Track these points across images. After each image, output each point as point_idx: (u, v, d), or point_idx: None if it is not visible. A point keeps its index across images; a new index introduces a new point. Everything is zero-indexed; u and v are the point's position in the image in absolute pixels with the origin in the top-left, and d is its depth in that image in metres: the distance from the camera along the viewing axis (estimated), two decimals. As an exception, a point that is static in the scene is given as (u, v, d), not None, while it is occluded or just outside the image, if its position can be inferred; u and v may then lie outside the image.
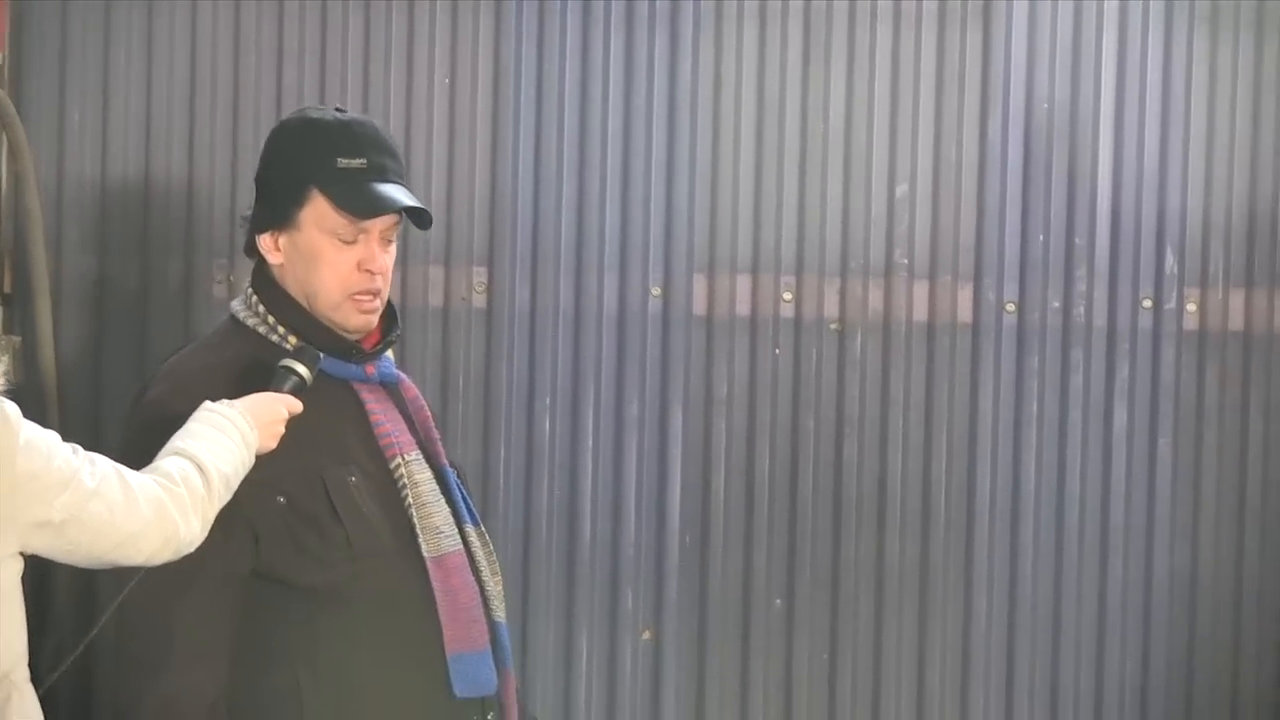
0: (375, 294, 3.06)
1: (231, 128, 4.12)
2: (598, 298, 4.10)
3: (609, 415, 4.11)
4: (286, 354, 3.00)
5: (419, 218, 3.14)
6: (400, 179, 3.15)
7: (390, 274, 3.10)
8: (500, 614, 3.14)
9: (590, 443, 4.12)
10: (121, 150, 4.15)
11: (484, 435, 4.10)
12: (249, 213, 3.10)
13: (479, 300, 4.09)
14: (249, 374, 3.02)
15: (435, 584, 3.02)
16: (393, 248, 3.11)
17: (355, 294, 3.03)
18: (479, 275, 4.09)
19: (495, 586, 3.15)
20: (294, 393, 2.90)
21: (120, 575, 2.85)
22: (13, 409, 2.61)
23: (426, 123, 4.09)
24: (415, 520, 3.04)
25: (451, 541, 3.08)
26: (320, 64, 4.13)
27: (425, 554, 3.02)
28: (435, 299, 4.07)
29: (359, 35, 4.14)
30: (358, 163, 3.04)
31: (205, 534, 2.80)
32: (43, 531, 2.66)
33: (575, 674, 4.10)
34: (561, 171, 4.11)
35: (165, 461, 2.77)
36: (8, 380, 2.66)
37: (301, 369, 2.92)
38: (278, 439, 2.92)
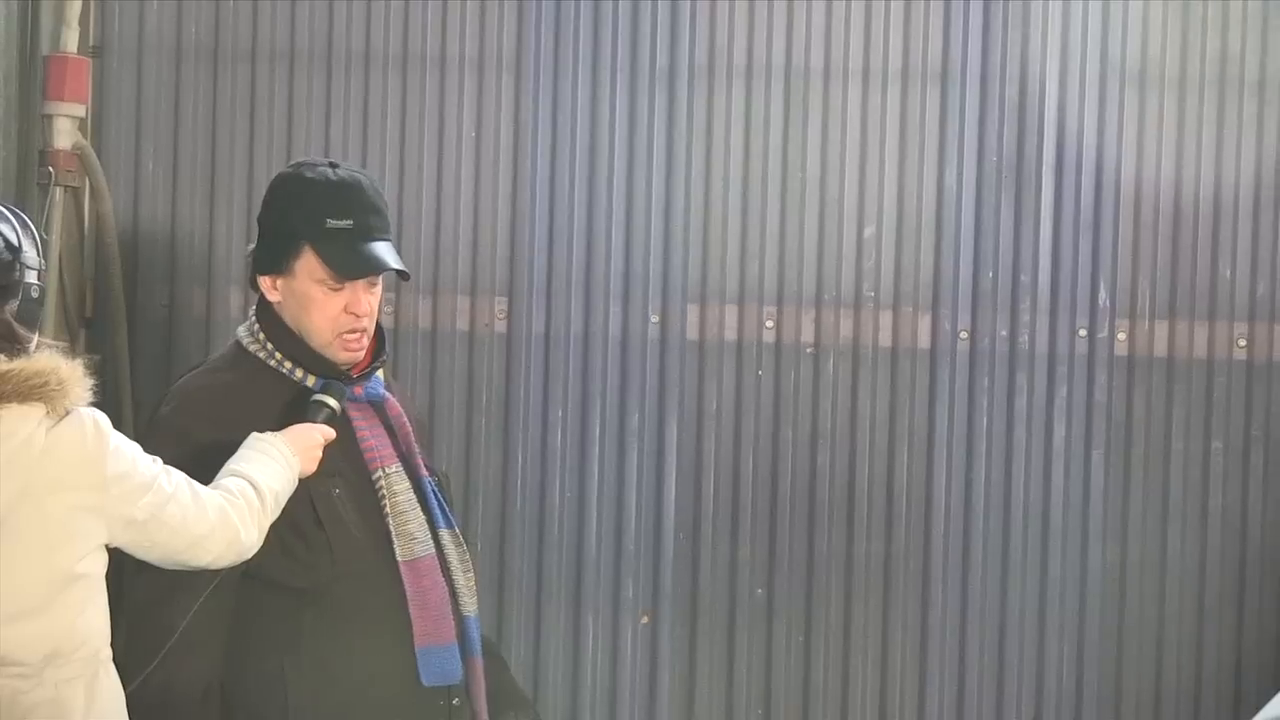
0: (361, 332, 3.12)
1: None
2: (604, 324, 4.26)
3: (613, 427, 4.28)
4: (285, 379, 3.11)
5: (399, 273, 3.17)
6: (385, 234, 3.19)
7: (377, 311, 3.15)
8: (469, 609, 3.21)
9: (596, 451, 4.27)
10: (189, 194, 4.31)
11: (504, 444, 4.20)
12: (252, 247, 3.20)
13: (500, 326, 4.24)
14: (287, 404, 3.10)
15: (407, 585, 3.10)
16: (378, 289, 3.15)
17: (343, 334, 3.10)
18: (500, 304, 4.24)
19: (466, 584, 3.22)
20: (327, 422, 3.03)
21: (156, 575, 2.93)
22: (103, 418, 2.77)
23: (455, 171, 4.21)
24: (392, 527, 3.11)
25: (424, 546, 3.15)
26: (363, 120, 4.26)
27: (399, 558, 3.11)
28: (462, 324, 4.18)
29: (397, 96, 4.27)
30: (345, 224, 3.10)
31: (260, 543, 2.91)
32: (128, 528, 2.80)
33: (583, 653, 4.24)
34: (572, 214, 4.26)
35: (225, 480, 2.91)
36: (94, 394, 2.76)
37: (332, 403, 3.05)
38: (316, 462, 3.02)
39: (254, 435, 2.99)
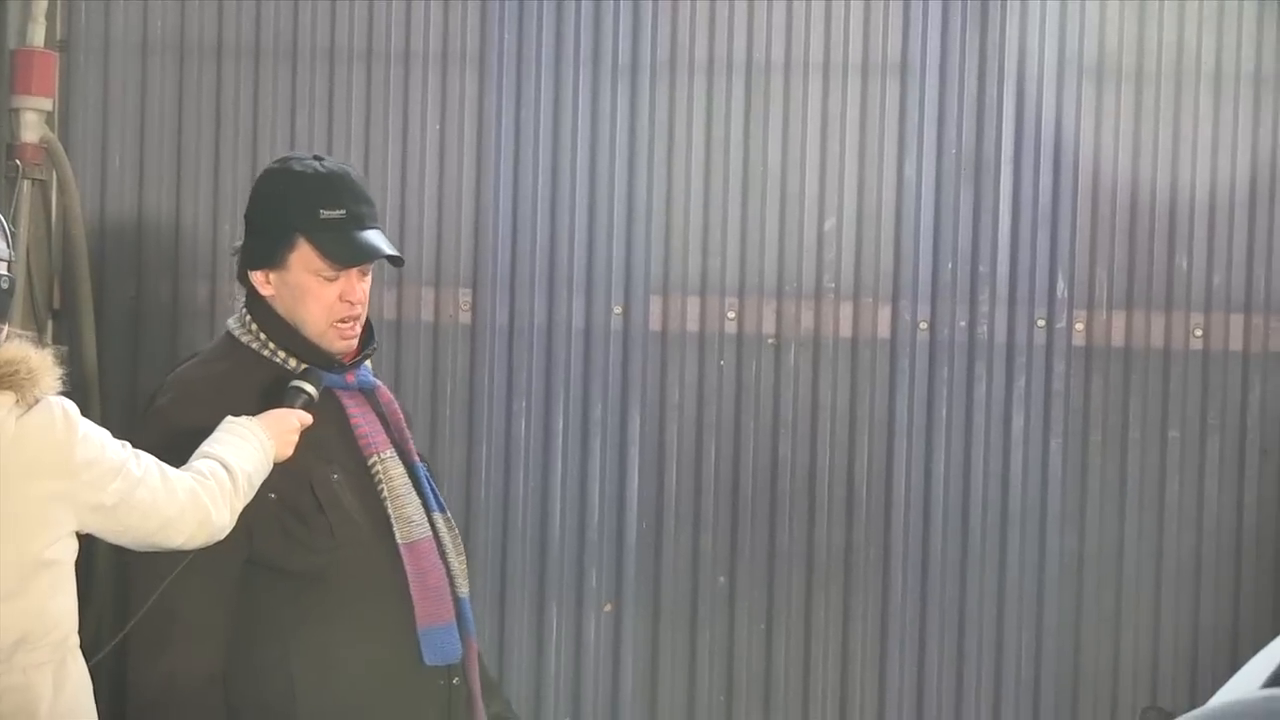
0: (355, 320, 3.15)
1: (251, 168, 4.24)
2: (567, 315, 4.27)
3: (576, 418, 4.29)
4: (277, 368, 3.13)
5: (394, 258, 3.22)
6: (375, 223, 3.21)
7: (368, 299, 3.18)
8: (464, 590, 3.23)
9: (560, 442, 4.29)
10: (156, 187, 4.31)
11: (468, 434, 4.21)
12: (239, 244, 3.20)
13: (464, 317, 4.25)
14: (265, 390, 3.11)
15: (408, 567, 3.13)
16: (369, 276, 3.18)
17: (337, 322, 3.12)
18: (464, 295, 4.26)
19: (459, 566, 3.24)
20: (304, 408, 3.05)
21: (155, 562, 2.95)
22: (72, 406, 2.76)
23: (420, 163, 4.22)
24: (390, 511, 3.14)
25: (421, 529, 3.18)
26: (328, 113, 4.26)
27: (399, 540, 3.14)
28: (427, 315, 4.19)
29: (361, 90, 4.28)
30: (338, 214, 3.13)
31: (234, 523, 2.90)
32: (97, 514, 2.80)
33: (546, 641, 4.26)
34: (536, 206, 4.27)
35: (197, 462, 2.90)
36: (63, 383, 2.76)
37: (310, 388, 3.06)
38: (293, 446, 3.03)
39: (228, 419, 2.99)
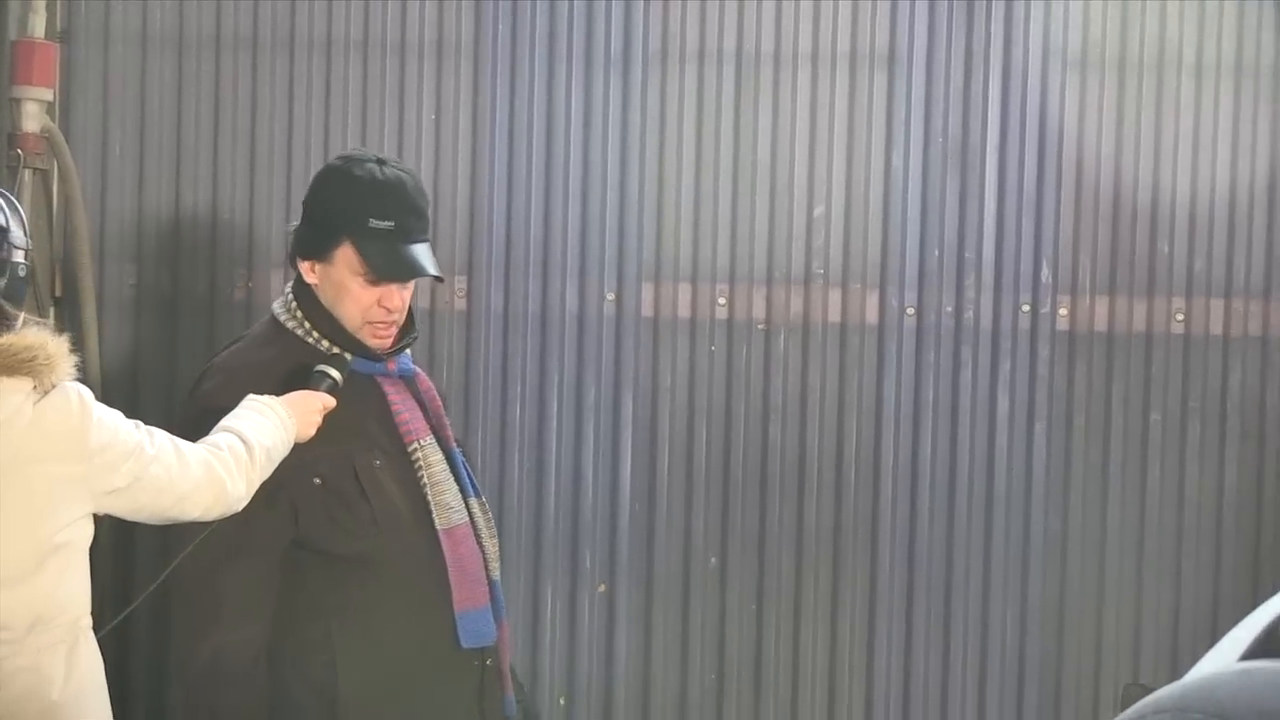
0: (391, 324, 3.20)
1: (249, 158, 4.30)
2: (560, 302, 4.29)
3: (570, 402, 4.30)
4: (321, 355, 3.15)
5: (435, 277, 3.25)
6: (424, 236, 3.23)
7: (408, 304, 3.22)
8: (497, 573, 3.29)
9: (554, 425, 4.30)
10: (156, 175, 4.32)
11: (464, 418, 4.19)
12: (295, 225, 3.25)
13: (460, 304, 4.27)
14: (290, 373, 3.14)
15: (446, 552, 3.19)
16: (410, 286, 3.23)
17: (373, 323, 3.18)
18: (460, 283, 4.27)
19: (493, 549, 3.30)
20: (329, 392, 3.07)
21: (182, 539, 2.99)
22: (87, 391, 2.81)
23: (415, 153, 4.20)
24: (430, 497, 3.20)
25: (459, 515, 3.23)
26: (325, 104, 4.27)
27: (438, 526, 3.19)
28: (424, 302, 4.15)
29: (358, 80, 4.28)
30: (387, 225, 3.17)
31: (250, 496, 2.92)
32: (112, 496, 2.84)
33: (541, 621, 4.28)
34: (530, 194, 4.28)
35: (214, 436, 2.93)
36: (74, 368, 2.79)
37: (334, 373, 3.09)
38: (315, 428, 3.05)
39: (250, 395, 3.02)
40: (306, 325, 3.20)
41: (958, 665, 4.32)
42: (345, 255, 3.17)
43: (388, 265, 3.17)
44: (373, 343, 3.20)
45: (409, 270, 3.19)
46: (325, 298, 3.21)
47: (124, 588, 4.01)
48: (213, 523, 2.94)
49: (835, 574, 4.33)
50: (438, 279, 3.26)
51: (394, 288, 3.20)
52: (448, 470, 3.25)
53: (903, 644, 4.33)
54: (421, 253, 3.22)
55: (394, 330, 3.22)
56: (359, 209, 3.17)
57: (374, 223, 3.17)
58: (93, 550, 3.02)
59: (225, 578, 3.06)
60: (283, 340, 3.20)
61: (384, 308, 3.18)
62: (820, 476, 4.32)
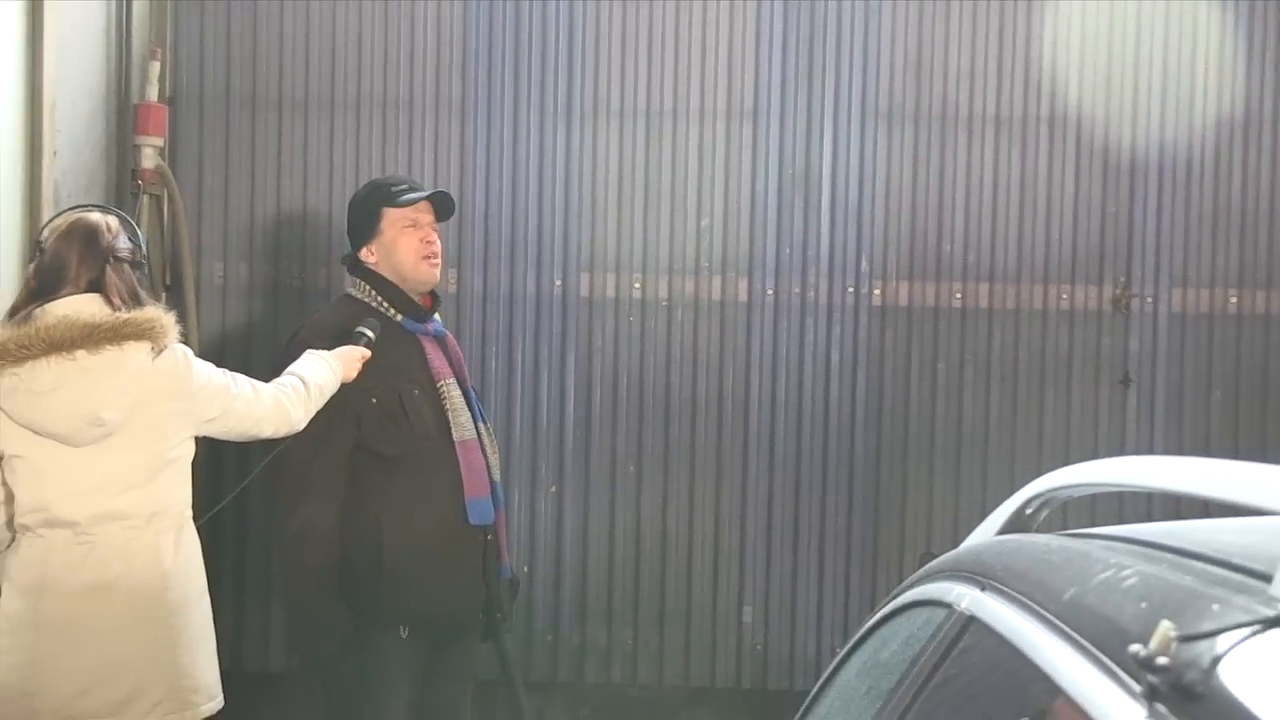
0: (436, 254, 3.52)
1: (303, 184, 4.80)
2: (523, 286, 4.74)
3: (529, 357, 4.77)
4: (383, 315, 3.48)
5: (446, 206, 3.55)
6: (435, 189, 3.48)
7: (440, 244, 3.51)
8: (497, 476, 3.62)
9: (519, 376, 4.78)
10: (236, 198, 4.82)
11: None
12: (347, 251, 3.61)
13: (451, 288, 4.72)
14: (343, 329, 3.47)
15: (460, 457, 3.51)
16: (438, 229, 3.49)
17: (424, 257, 3.50)
18: (452, 273, 4.72)
19: (494, 459, 3.62)
20: (366, 346, 3.43)
21: (264, 451, 3.36)
22: (188, 350, 3.20)
23: (420, 181, 4.32)
24: (450, 419, 3.51)
25: (469, 432, 3.55)
26: (355, 147, 4.74)
27: (455, 439, 3.51)
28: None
29: (379, 130, 4.77)
30: (405, 187, 3.56)
31: (307, 420, 3.27)
32: (208, 423, 3.22)
33: (511, 512, 4.68)
34: (500, 209, 4.77)
35: (283, 377, 3.33)
36: (181, 336, 3.17)
37: (369, 332, 3.45)
38: (356, 371, 3.38)
39: (309, 350, 3.38)
40: (372, 293, 3.54)
41: (804, 544, 4.83)
42: (388, 219, 3.53)
43: (415, 194, 3.52)
44: (428, 273, 3.53)
45: (429, 192, 3.52)
46: (385, 267, 3.53)
47: (214, 490, 4.20)
48: (282, 440, 3.28)
49: (718, 480, 4.81)
50: (447, 199, 3.55)
51: (428, 229, 3.54)
52: (464, 403, 3.56)
53: (764, 530, 4.82)
54: (439, 195, 3.52)
55: (439, 260, 3.55)
56: (385, 188, 3.57)
57: (396, 189, 3.55)
58: (194, 463, 3.23)
59: (312, 466, 3.39)
60: (353, 307, 3.57)
61: (427, 243, 3.53)
62: (707, 410, 4.77)
